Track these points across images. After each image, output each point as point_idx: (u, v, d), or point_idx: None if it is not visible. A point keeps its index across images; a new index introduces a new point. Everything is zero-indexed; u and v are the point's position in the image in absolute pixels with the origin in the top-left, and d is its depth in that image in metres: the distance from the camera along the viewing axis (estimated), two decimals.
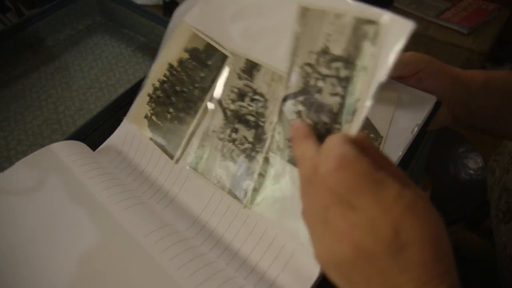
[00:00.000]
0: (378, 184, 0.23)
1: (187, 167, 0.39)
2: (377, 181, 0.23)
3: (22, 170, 0.40)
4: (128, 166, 0.43)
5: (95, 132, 0.49)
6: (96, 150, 0.45)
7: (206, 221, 0.37)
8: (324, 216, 0.25)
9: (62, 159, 0.40)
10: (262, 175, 0.35)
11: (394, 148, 0.37)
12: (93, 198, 0.37)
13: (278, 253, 0.34)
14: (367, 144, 0.25)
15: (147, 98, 0.44)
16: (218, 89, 0.39)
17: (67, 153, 0.41)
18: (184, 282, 0.31)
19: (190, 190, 0.39)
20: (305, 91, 0.29)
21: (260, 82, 0.35)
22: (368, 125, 0.39)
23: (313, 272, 0.32)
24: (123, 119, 0.48)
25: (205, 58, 0.40)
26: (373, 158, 0.24)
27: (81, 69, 0.72)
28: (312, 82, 0.29)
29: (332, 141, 0.24)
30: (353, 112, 0.26)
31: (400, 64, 0.39)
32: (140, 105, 0.45)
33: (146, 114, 0.44)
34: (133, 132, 0.45)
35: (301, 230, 0.34)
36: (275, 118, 0.33)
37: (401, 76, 0.40)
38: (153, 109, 0.43)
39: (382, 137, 0.38)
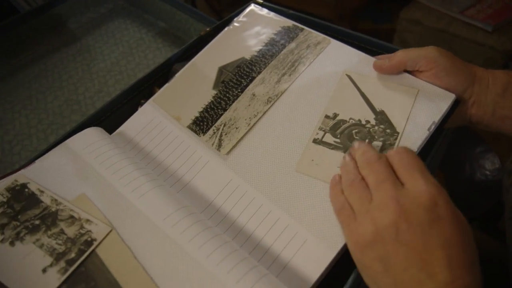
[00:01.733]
0: (426, 170, 0.31)
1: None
2: (425, 168, 0.31)
3: (45, 164, 0.41)
4: (144, 149, 0.43)
5: (113, 114, 0.50)
6: (114, 133, 0.46)
7: (219, 206, 0.38)
8: (376, 190, 0.30)
9: (79, 154, 0.41)
10: None
11: (410, 144, 0.37)
12: (110, 187, 0.38)
13: (290, 240, 0.35)
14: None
15: None
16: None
17: (83, 145, 0.41)
18: (204, 261, 0.32)
19: (205, 176, 0.40)
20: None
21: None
22: (384, 120, 0.39)
23: (325, 259, 0.33)
24: (142, 102, 0.49)
25: None
26: None
27: (102, 52, 0.73)
28: None
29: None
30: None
31: (418, 57, 0.39)
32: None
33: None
34: (152, 116, 0.45)
35: (317, 222, 0.35)
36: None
37: (419, 70, 0.40)
38: None
39: (398, 132, 0.38)
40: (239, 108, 0.43)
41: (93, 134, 0.43)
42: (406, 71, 0.41)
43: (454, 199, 0.30)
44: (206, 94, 0.45)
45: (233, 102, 0.44)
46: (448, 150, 0.54)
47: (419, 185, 0.29)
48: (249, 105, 0.43)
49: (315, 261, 0.34)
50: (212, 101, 0.45)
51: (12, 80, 0.70)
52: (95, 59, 0.72)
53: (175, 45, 0.73)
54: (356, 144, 0.36)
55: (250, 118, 0.42)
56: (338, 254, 0.34)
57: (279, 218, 0.36)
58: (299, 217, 0.36)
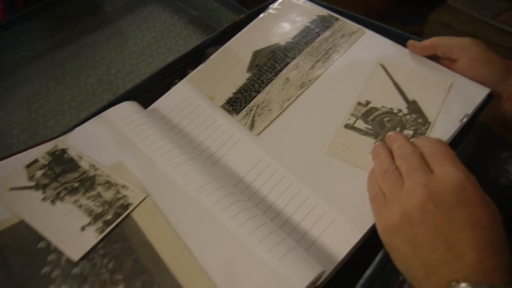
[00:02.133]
0: (457, 158, 0.32)
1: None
2: (456, 157, 0.32)
3: (83, 133, 0.42)
4: (177, 125, 0.45)
5: (147, 92, 0.51)
6: (147, 109, 0.47)
7: (249, 183, 0.39)
8: (407, 177, 0.32)
9: (116, 125, 0.42)
10: None
11: (441, 135, 0.38)
12: (145, 157, 0.39)
13: (318, 219, 0.35)
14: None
15: None
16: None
17: (120, 117, 0.43)
18: (235, 230, 0.33)
19: (236, 154, 0.41)
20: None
21: None
22: (416, 110, 0.39)
23: (352, 239, 0.34)
24: (176, 82, 0.50)
25: None
26: None
27: (134, 35, 0.75)
28: None
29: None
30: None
31: (451, 43, 0.40)
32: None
33: None
34: (185, 94, 0.47)
35: (345, 203, 0.36)
36: None
37: (452, 58, 0.40)
38: None
39: (430, 122, 0.38)
40: (273, 91, 0.44)
41: (129, 108, 0.44)
42: (439, 62, 0.42)
43: None
44: (240, 76, 0.46)
45: (266, 85, 0.45)
46: (472, 154, 0.54)
47: (448, 171, 0.30)
48: (282, 88, 0.44)
49: (342, 241, 0.34)
50: (245, 83, 0.46)
51: (48, 58, 0.72)
52: (127, 42, 0.74)
53: (205, 33, 0.75)
54: (392, 134, 0.37)
55: (283, 101, 0.43)
56: (365, 235, 0.35)
57: (308, 197, 0.37)
58: (328, 197, 0.37)
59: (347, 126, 0.40)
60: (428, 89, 0.40)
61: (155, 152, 0.39)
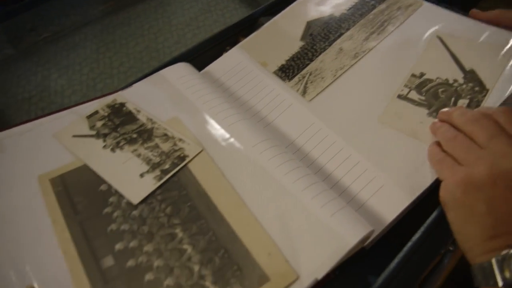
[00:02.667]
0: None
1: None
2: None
3: (140, 89, 0.44)
4: (229, 89, 0.46)
5: (199, 57, 0.53)
6: (200, 72, 0.48)
7: (301, 145, 0.40)
8: (484, 144, 0.31)
9: (172, 83, 0.44)
10: None
11: (496, 101, 0.37)
12: (201, 114, 0.40)
13: (368, 183, 0.36)
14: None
15: None
16: None
17: (176, 76, 0.44)
18: (289, 186, 0.34)
19: (287, 118, 0.42)
20: None
21: None
22: (474, 78, 0.39)
23: (401, 204, 0.34)
24: (227, 49, 0.51)
25: None
26: None
27: (182, 6, 0.76)
28: None
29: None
30: None
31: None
32: None
33: None
34: (238, 60, 0.48)
35: (395, 169, 0.36)
36: None
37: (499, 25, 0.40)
38: None
39: (488, 89, 0.38)
40: (326, 60, 0.45)
41: (184, 68, 0.46)
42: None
43: None
44: (293, 45, 0.47)
45: (319, 54, 0.45)
46: None
47: None
48: (335, 58, 0.45)
49: (391, 204, 0.35)
50: (299, 51, 0.46)
51: (98, 25, 0.74)
52: (175, 13, 0.75)
53: (251, 7, 0.75)
54: (446, 109, 0.36)
55: (336, 70, 0.44)
56: (414, 202, 0.35)
57: (359, 162, 0.38)
58: (378, 163, 0.37)
59: (400, 97, 0.40)
60: (487, 58, 0.40)
61: (211, 110, 0.40)
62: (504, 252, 0.27)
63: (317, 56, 0.45)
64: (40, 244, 0.32)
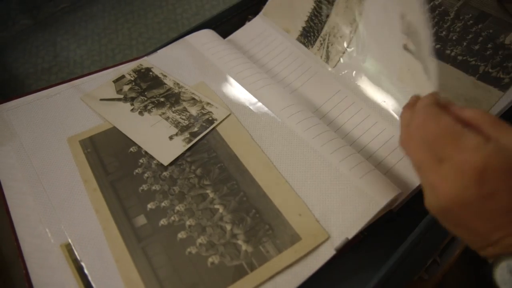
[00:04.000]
0: (458, 134, 0.25)
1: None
2: (457, 132, 0.25)
3: (166, 54, 0.44)
4: (254, 56, 0.45)
5: (221, 25, 0.52)
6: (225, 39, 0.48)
7: (327, 111, 0.39)
8: (419, 172, 0.27)
9: (198, 49, 0.44)
10: None
11: None
12: (228, 79, 0.40)
13: (394, 149, 0.36)
14: (450, 104, 0.27)
15: None
16: None
17: (201, 42, 0.44)
18: (319, 148, 0.34)
19: (313, 84, 0.42)
20: None
21: None
22: None
23: None
24: (250, 18, 0.51)
25: None
26: (456, 116, 0.26)
27: None
28: None
29: (420, 103, 0.28)
30: None
31: None
32: None
33: None
34: (262, 28, 0.47)
35: None
36: None
37: None
38: None
39: None
40: (339, 12, 0.43)
41: (209, 34, 0.45)
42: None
43: None
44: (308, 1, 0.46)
45: (332, 4, 0.44)
46: None
47: (457, 161, 0.25)
48: (346, 7, 0.43)
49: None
50: (314, 6, 0.45)
51: None
52: None
53: None
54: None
55: (350, 22, 0.42)
56: None
57: (385, 129, 0.37)
58: None
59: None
60: None
61: (238, 75, 0.40)
62: None
63: (331, 10, 0.44)
64: (73, 203, 0.33)
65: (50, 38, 0.68)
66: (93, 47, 0.66)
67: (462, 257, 0.37)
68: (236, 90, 0.39)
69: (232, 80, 0.40)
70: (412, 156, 0.27)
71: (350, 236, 0.30)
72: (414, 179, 0.34)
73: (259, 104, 0.38)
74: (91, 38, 0.68)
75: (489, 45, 0.39)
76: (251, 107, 0.38)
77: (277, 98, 0.38)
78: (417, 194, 0.35)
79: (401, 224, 0.34)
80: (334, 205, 0.32)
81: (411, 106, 0.29)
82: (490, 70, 0.38)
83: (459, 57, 0.40)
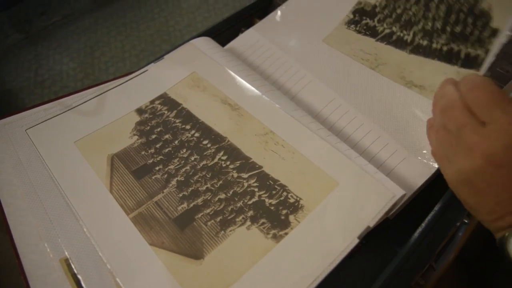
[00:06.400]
0: (506, 101, 0.27)
1: None
2: (505, 99, 0.27)
3: (170, 61, 0.45)
4: (251, 65, 0.46)
5: (216, 37, 0.53)
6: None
7: (326, 117, 0.40)
8: (457, 136, 0.28)
9: (203, 52, 0.45)
10: None
11: None
12: (238, 83, 0.41)
13: (390, 155, 0.37)
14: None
15: None
16: None
17: (206, 47, 0.45)
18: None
19: (309, 92, 0.42)
20: None
21: None
22: None
23: (425, 174, 0.35)
24: (243, 30, 0.52)
25: None
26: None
27: None
28: None
29: (470, 75, 0.30)
30: None
31: None
32: None
33: None
34: (255, 39, 0.48)
35: (416, 144, 0.37)
36: None
37: None
38: None
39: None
40: None
41: (210, 41, 0.46)
42: None
43: None
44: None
45: None
46: None
47: (502, 123, 0.26)
48: None
49: (416, 174, 0.35)
50: None
51: (107, 8, 0.74)
52: None
53: None
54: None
55: None
56: (434, 174, 0.36)
57: (380, 136, 0.38)
58: (400, 139, 0.38)
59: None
60: None
61: (247, 78, 0.41)
62: None
63: None
64: (69, 217, 0.33)
65: (43, 51, 0.69)
66: (86, 60, 0.67)
67: (456, 260, 0.38)
68: (246, 89, 0.41)
69: (240, 82, 0.42)
70: (453, 121, 0.28)
71: (371, 225, 0.31)
72: (413, 183, 0.35)
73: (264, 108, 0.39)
74: (83, 51, 0.68)
75: (469, 19, 0.41)
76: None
77: (281, 101, 0.39)
78: (411, 203, 0.36)
79: (395, 233, 0.35)
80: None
81: (451, 81, 0.31)
82: (470, 50, 0.40)
83: (444, 47, 0.41)
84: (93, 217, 0.33)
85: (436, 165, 0.36)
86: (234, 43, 0.49)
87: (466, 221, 0.36)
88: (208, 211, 0.33)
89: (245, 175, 0.35)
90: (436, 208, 0.35)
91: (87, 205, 0.33)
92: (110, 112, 0.41)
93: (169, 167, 0.36)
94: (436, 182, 0.37)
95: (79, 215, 0.33)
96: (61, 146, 0.37)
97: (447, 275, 0.37)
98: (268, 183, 0.34)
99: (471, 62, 0.40)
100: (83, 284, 0.30)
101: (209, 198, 0.34)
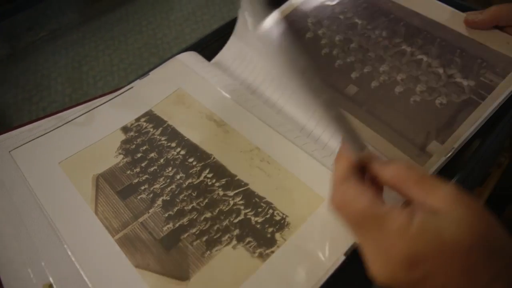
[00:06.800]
0: (379, 218, 0.23)
1: None
2: (377, 216, 0.23)
3: (156, 77, 0.45)
4: (239, 76, 0.46)
5: (203, 50, 0.53)
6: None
7: (312, 129, 0.39)
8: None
9: (189, 67, 0.45)
10: None
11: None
12: (224, 98, 0.41)
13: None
14: (370, 161, 0.26)
15: None
16: None
17: (192, 61, 0.45)
18: (321, 160, 0.35)
19: (295, 103, 0.42)
20: None
21: None
22: None
23: None
24: None
25: None
26: (376, 176, 0.26)
27: (179, 2, 0.76)
28: None
29: (336, 176, 0.26)
30: None
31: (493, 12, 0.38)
32: None
33: None
34: (239, 47, 0.47)
35: None
36: None
37: (499, 25, 0.38)
38: None
39: None
40: None
41: (196, 56, 0.46)
42: (504, 31, 0.41)
43: None
44: None
45: None
46: None
47: (384, 247, 0.23)
48: None
49: None
50: None
51: (95, 22, 0.74)
52: (172, 9, 0.75)
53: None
54: None
55: None
56: None
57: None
58: (389, 150, 0.38)
59: None
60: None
61: (228, 94, 0.41)
62: None
63: None
64: (54, 241, 0.33)
65: (30, 67, 0.68)
66: (74, 75, 0.67)
67: None
68: (233, 106, 0.41)
69: (227, 98, 0.41)
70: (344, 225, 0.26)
71: None
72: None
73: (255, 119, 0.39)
74: (71, 66, 0.68)
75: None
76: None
77: (272, 114, 0.40)
78: None
79: None
80: None
81: (339, 159, 0.27)
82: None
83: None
84: (78, 240, 0.32)
85: None
86: (220, 57, 0.48)
87: None
88: (193, 230, 0.33)
89: (231, 193, 0.35)
90: None
91: (72, 227, 0.33)
92: (95, 130, 0.40)
93: (155, 186, 0.36)
94: None
95: (63, 239, 0.32)
96: (45, 167, 0.37)
97: None
98: (254, 200, 0.34)
99: None
100: None
101: (194, 217, 0.33)
